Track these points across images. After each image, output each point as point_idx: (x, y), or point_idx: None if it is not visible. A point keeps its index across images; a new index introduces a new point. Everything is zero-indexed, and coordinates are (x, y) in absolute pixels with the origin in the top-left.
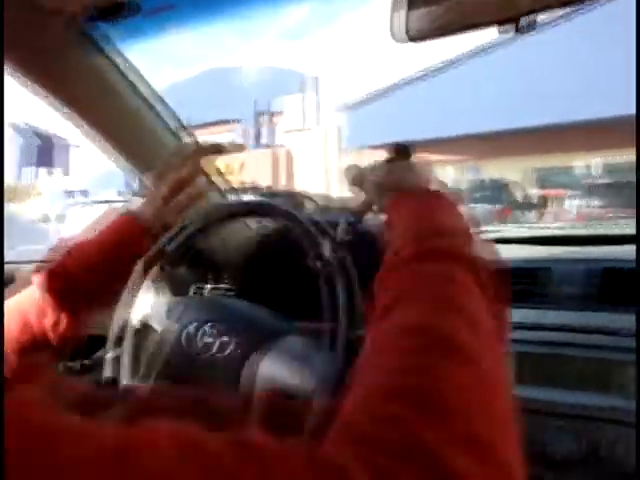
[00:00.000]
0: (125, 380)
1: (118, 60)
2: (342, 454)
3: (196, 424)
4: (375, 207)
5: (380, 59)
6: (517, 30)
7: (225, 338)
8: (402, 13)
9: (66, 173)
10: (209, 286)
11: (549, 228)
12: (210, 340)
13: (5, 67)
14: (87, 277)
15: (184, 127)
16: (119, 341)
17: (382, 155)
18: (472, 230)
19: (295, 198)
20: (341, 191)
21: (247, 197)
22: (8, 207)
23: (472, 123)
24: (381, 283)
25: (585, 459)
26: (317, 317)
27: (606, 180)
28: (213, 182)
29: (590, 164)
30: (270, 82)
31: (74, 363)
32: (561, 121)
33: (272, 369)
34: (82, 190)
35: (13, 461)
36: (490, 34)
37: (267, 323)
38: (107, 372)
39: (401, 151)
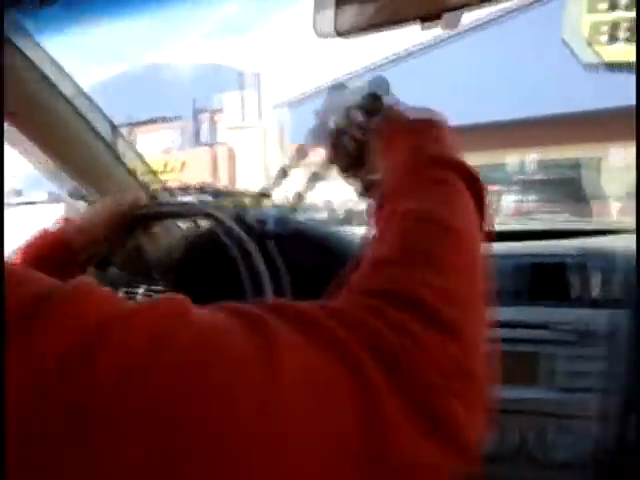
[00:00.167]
0: None
1: (37, 55)
2: (350, 300)
3: None
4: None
5: (323, 56)
6: (441, 25)
7: None
8: (327, 9)
9: None
10: (141, 290)
11: None
12: None
13: None
14: None
15: (115, 127)
16: None
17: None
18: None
19: (236, 196)
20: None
21: (174, 198)
22: None
23: None
24: (381, 196)
25: (514, 451)
26: None
27: (541, 176)
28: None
29: (524, 160)
30: (208, 79)
31: None
32: (494, 120)
33: None
34: (16, 190)
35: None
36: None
37: None
38: None
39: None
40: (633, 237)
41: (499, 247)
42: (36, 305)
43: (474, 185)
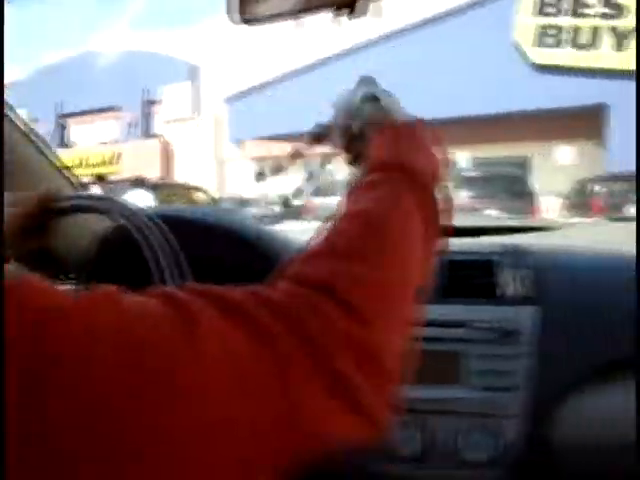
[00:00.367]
0: None
1: None
2: (281, 288)
3: None
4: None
5: (265, 50)
6: (351, 13)
7: None
8: None
9: None
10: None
11: None
12: None
13: None
14: None
15: (35, 120)
16: None
17: (268, 147)
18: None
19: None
20: (218, 181)
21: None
22: None
23: None
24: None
25: (429, 452)
26: None
27: (476, 173)
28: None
29: (457, 158)
30: (148, 69)
31: None
32: (428, 117)
33: None
34: None
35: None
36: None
37: None
38: None
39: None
40: (558, 234)
41: None
42: None
43: (419, 186)
